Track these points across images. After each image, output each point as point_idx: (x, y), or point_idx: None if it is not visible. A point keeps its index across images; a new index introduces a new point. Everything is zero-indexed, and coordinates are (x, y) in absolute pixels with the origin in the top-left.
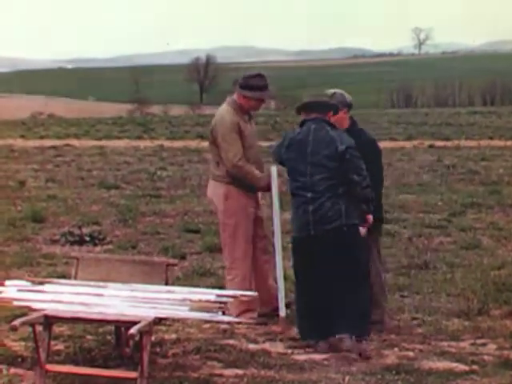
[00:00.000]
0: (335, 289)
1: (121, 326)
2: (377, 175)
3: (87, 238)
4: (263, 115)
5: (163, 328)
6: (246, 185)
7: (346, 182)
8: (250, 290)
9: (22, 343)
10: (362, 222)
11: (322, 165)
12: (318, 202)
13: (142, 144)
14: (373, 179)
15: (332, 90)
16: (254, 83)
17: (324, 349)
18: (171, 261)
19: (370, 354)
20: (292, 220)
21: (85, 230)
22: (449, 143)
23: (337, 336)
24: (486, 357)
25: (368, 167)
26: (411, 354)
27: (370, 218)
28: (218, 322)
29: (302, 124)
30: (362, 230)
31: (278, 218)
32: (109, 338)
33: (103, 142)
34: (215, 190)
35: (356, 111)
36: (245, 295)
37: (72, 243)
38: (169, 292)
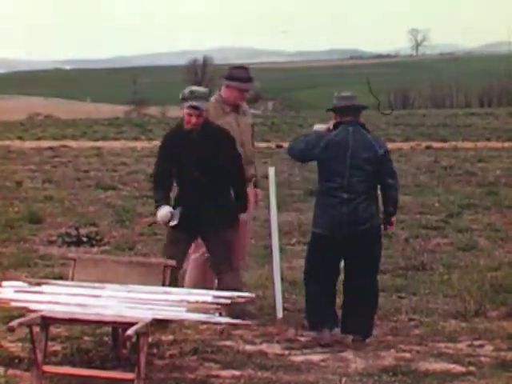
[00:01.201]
0: (351, 285)
1: (118, 327)
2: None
3: (84, 239)
4: (261, 116)
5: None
6: None
7: (377, 184)
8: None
9: (19, 344)
10: (386, 224)
11: (361, 168)
12: (353, 203)
13: (139, 145)
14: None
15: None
16: (236, 74)
17: (327, 339)
18: (168, 262)
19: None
20: (318, 217)
21: (82, 231)
22: (446, 144)
23: (342, 334)
24: (482, 358)
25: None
26: (408, 355)
27: (394, 220)
28: (214, 323)
29: (335, 126)
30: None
31: (276, 218)
32: (106, 339)
33: (100, 143)
34: None
35: None
36: (242, 297)
37: (69, 244)
38: (166, 293)
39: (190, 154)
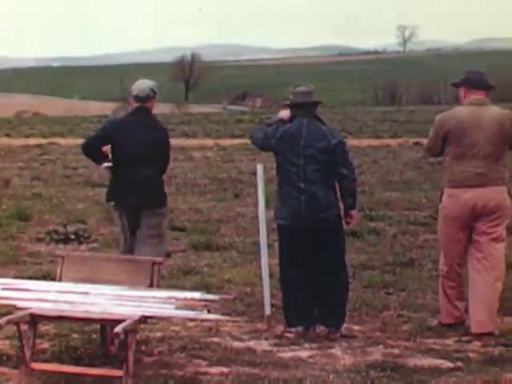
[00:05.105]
0: (318, 276)
1: (106, 324)
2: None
3: (72, 237)
4: (249, 113)
5: (148, 326)
6: None
7: (334, 174)
8: None
9: (7, 342)
10: (346, 217)
11: (315, 157)
12: (310, 192)
13: None
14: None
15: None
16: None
17: (312, 335)
18: (157, 259)
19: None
20: (279, 208)
21: (70, 229)
22: None
23: (316, 327)
24: (470, 354)
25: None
26: (396, 351)
27: (355, 213)
28: (203, 320)
29: (292, 118)
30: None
31: (264, 215)
32: (94, 336)
33: None
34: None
35: (341, 109)
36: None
37: (57, 241)
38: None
39: None
